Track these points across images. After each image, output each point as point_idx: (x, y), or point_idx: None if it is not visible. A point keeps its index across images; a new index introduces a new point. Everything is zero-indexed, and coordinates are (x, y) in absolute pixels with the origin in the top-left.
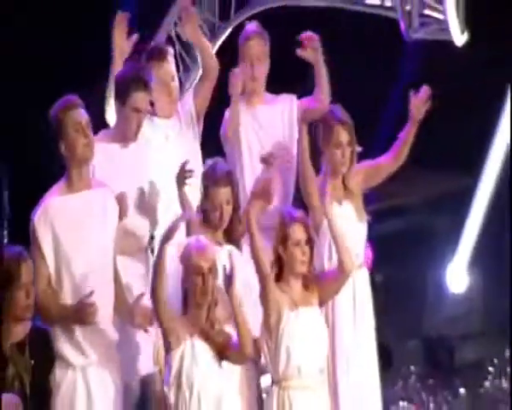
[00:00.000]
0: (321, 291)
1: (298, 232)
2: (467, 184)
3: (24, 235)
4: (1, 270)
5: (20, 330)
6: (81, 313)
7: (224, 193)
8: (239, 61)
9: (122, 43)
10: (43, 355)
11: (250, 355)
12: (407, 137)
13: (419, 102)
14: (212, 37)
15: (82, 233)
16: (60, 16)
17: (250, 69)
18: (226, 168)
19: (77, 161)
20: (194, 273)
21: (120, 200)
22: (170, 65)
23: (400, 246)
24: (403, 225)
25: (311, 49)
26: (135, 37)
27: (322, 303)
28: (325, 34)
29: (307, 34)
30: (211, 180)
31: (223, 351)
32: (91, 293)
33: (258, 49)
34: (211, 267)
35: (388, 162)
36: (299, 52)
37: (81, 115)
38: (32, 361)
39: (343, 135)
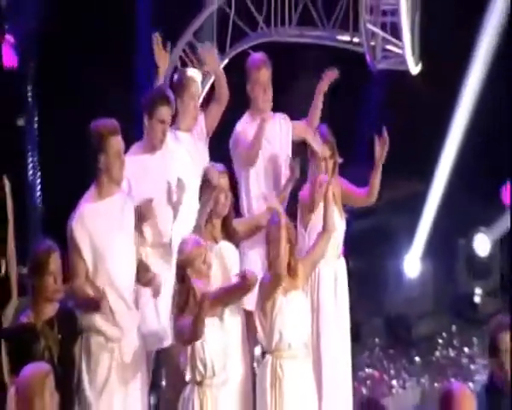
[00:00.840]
0: (311, 257)
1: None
2: (421, 189)
3: (56, 227)
4: (34, 261)
5: (49, 310)
6: (93, 304)
7: (223, 182)
8: (250, 84)
9: (162, 61)
10: (68, 331)
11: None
12: (375, 179)
13: (381, 146)
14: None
15: (111, 234)
16: None
17: (263, 93)
18: (222, 167)
19: (110, 178)
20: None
21: (146, 205)
22: (194, 88)
23: (367, 240)
24: (370, 223)
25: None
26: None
27: (312, 269)
28: (308, 65)
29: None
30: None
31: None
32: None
33: (268, 75)
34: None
35: (363, 198)
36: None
37: (120, 143)
38: (60, 336)
39: (326, 151)
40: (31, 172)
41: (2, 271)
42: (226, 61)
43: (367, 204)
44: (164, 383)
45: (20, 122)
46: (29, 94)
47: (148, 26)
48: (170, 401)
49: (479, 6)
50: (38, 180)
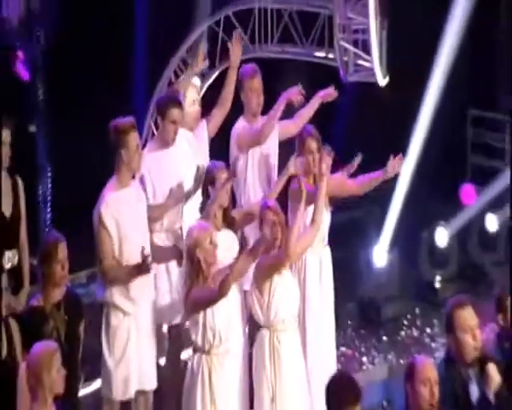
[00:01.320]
0: (299, 245)
1: (269, 216)
2: (387, 187)
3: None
4: (43, 250)
5: (57, 294)
6: (143, 267)
7: (223, 174)
8: (244, 91)
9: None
10: (74, 313)
11: None
12: (375, 181)
13: (396, 163)
14: (203, 80)
15: (131, 219)
16: None
17: (257, 98)
18: (222, 164)
19: (129, 169)
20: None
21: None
22: (194, 94)
23: (342, 233)
24: (343, 218)
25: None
26: None
27: (299, 257)
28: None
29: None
30: (210, 171)
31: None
32: (145, 252)
33: (260, 83)
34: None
35: (353, 187)
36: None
37: (138, 138)
38: (66, 317)
39: (313, 144)
40: (41, 172)
41: (15, 261)
42: (216, 73)
43: (353, 195)
44: (163, 361)
45: (32, 128)
46: (40, 103)
47: (145, 41)
48: (166, 380)
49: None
50: (49, 180)
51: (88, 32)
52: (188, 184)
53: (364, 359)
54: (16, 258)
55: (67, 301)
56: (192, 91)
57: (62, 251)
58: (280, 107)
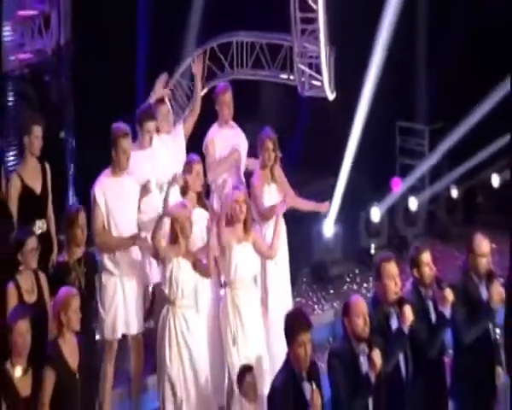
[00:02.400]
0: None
1: (239, 196)
2: (331, 183)
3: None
4: (67, 217)
5: (78, 252)
6: (135, 239)
7: (198, 168)
8: (218, 103)
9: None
10: (91, 267)
11: (210, 275)
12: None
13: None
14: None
15: (120, 201)
16: None
17: (228, 109)
18: (197, 157)
19: (119, 165)
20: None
21: (146, 183)
22: (167, 106)
23: (300, 212)
24: None
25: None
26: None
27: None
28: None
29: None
30: (188, 162)
31: (195, 266)
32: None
33: (230, 97)
34: (188, 217)
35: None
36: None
37: (128, 143)
38: (85, 270)
39: (269, 144)
40: (68, 166)
41: (44, 228)
42: (205, 90)
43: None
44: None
45: (62, 134)
46: (68, 115)
47: (147, 66)
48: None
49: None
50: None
51: (102, 58)
52: (168, 175)
53: (316, 306)
54: (45, 226)
55: (86, 258)
56: (167, 105)
57: (82, 218)
58: None
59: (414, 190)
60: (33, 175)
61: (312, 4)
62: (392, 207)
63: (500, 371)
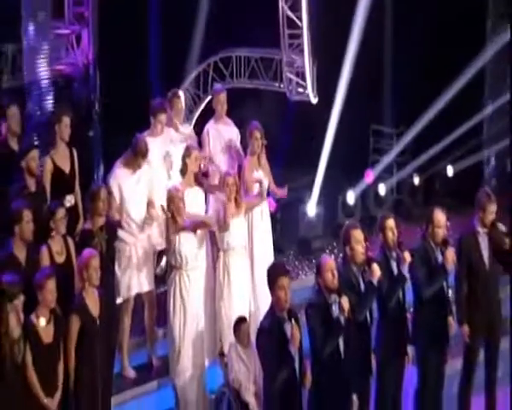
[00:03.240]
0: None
1: (229, 180)
2: (311, 177)
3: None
4: (91, 193)
5: (100, 221)
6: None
7: (197, 154)
8: (214, 102)
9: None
10: (111, 233)
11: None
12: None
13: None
14: (199, 102)
15: (130, 188)
16: None
17: (221, 107)
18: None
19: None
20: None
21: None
22: (181, 101)
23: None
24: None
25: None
26: None
27: (247, 211)
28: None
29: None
30: (187, 149)
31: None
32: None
33: (224, 97)
34: (181, 198)
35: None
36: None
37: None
38: (106, 236)
39: (257, 134)
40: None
41: (73, 202)
42: (209, 97)
43: None
44: None
45: (91, 133)
46: (96, 116)
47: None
48: None
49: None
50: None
51: (123, 71)
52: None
53: (300, 273)
54: (73, 200)
55: (107, 226)
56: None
57: (104, 194)
58: None
59: (383, 178)
60: (63, 158)
61: (298, 22)
62: (364, 192)
63: (451, 322)
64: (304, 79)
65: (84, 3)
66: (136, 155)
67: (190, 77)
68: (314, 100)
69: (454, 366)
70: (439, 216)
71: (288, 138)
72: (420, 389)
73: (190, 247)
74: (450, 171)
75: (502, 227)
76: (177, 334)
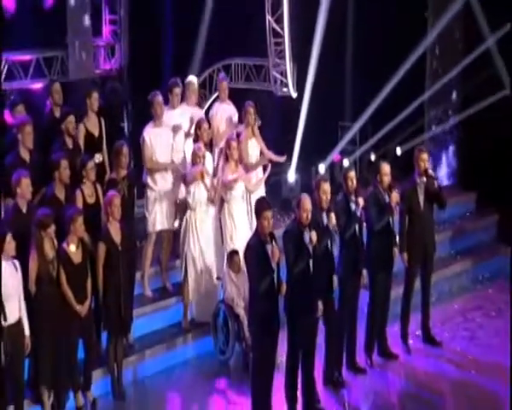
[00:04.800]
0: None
1: (233, 144)
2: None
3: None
4: (116, 149)
5: (122, 172)
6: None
7: (206, 125)
8: (218, 88)
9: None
10: (132, 182)
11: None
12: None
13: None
14: (206, 98)
15: (159, 141)
16: None
17: (224, 91)
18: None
19: (173, 104)
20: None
21: (176, 127)
22: (195, 84)
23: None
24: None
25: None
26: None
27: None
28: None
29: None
30: (198, 122)
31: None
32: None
33: (226, 85)
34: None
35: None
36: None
37: (161, 107)
38: (129, 184)
39: (251, 110)
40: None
41: (101, 159)
42: (215, 95)
43: None
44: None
45: (123, 125)
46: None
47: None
48: None
49: None
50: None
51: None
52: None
53: (282, 224)
54: (101, 157)
55: (129, 176)
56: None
57: (126, 150)
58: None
59: (347, 153)
60: (93, 124)
61: (281, 32)
62: (332, 165)
63: (396, 250)
64: (286, 77)
65: (117, 23)
66: (171, 95)
67: (199, 80)
68: (294, 95)
69: (397, 291)
70: (386, 167)
71: (274, 126)
72: (371, 308)
73: (202, 195)
74: (398, 151)
75: (431, 172)
76: (190, 260)
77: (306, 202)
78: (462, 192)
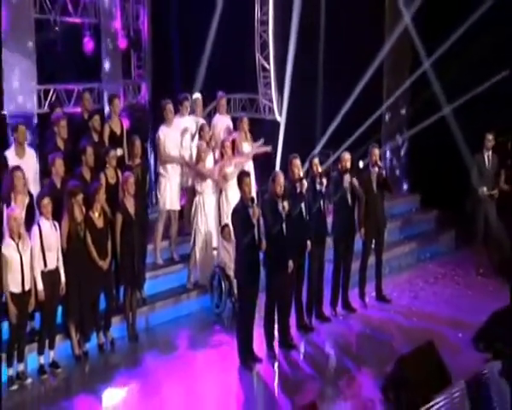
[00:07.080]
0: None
1: (227, 144)
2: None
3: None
4: (131, 143)
5: (136, 161)
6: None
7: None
8: (217, 104)
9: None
10: (144, 168)
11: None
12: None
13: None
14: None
15: (171, 138)
16: None
17: (223, 107)
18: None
19: (182, 111)
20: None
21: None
22: (200, 100)
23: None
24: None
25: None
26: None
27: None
28: None
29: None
30: (202, 127)
31: None
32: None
33: (225, 100)
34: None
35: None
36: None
37: (171, 112)
38: (140, 170)
39: (245, 119)
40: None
41: (121, 152)
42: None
43: None
44: None
45: (146, 145)
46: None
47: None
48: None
49: None
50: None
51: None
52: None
53: None
54: (121, 152)
55: (142, 164)
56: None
57: (138, 143)
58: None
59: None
60: (116, 125)
61: (268, 67)
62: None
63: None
64: (273, 104)
65: (142, 67)
66: (181, 105)
67: (205, 112)
68: (279, 118)
69: (357, 263)
70: (346, 156)
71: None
72: (334, 267)
73: (209, 181)
74: (361, 164)
75: (380, 164)
76: (198, 235)
77: (279, 176)
78: (410, 194)
